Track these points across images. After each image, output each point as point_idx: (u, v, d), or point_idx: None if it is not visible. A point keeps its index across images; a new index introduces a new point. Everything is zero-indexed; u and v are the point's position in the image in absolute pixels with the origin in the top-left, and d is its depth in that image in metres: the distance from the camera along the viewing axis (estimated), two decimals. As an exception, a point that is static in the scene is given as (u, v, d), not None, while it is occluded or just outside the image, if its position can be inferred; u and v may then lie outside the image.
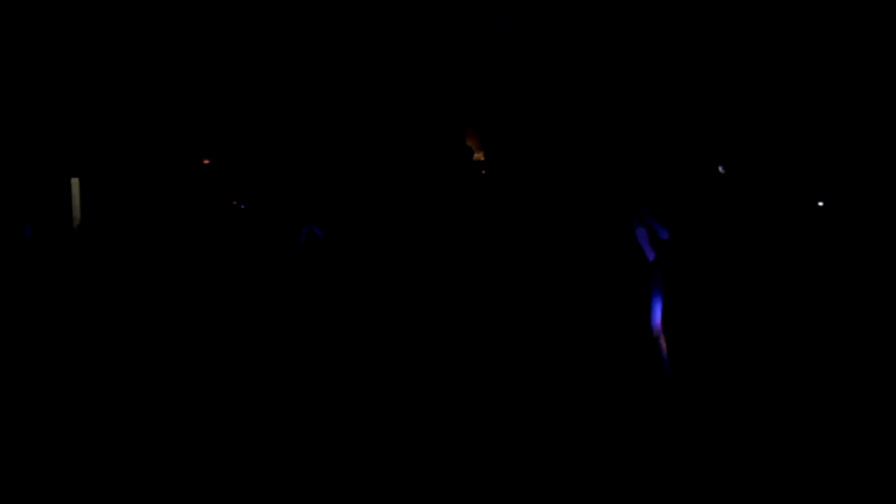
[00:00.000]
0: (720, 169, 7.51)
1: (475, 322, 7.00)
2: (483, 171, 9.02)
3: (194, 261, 7.31)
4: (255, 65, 9.87)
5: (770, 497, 4.18)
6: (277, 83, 9.85)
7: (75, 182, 9.14)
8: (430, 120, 9.64)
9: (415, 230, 7.97)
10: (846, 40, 8.36)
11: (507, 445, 4.79)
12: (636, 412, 5.24)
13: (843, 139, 8.23)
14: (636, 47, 9.08)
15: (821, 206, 7.76)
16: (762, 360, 5.80)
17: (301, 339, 6.76)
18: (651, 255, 5.61)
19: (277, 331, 6.87)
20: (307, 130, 9.70)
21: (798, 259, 6.75)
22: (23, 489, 4.34)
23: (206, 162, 7.51)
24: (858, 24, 8.27)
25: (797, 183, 7.92)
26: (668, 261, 5.76)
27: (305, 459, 4.66)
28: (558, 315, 6.79)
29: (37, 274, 7.93)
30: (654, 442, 4.81)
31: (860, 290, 6.41)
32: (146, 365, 6.37)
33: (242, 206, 7.85)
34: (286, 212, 6.89)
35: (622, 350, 5.88)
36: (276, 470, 4.53)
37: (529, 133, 9.33)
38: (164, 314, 7.28)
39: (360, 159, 9.45)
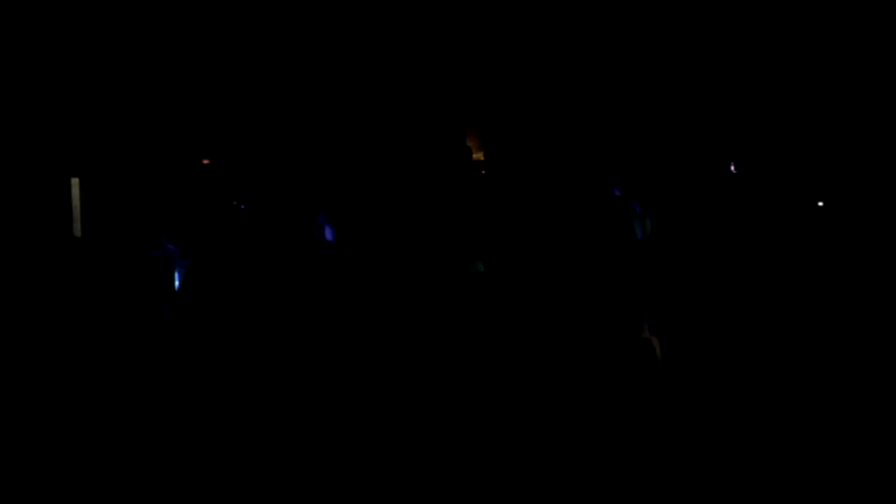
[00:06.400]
0: (732, 168, 7.52)
1: (474, 322, 6.99)
2: (483, 172, 9.02)
3: (198, 261, 7.30)
4: (255, 63, 9.88)
5: (770, 497, 4.18)
6: (277, 82, 9.85)
7: (75, 182, 9.14)
8: (430, 120, 9.64)
9: (413, 230, 7.96)
10: (849, 41, 8.38)
11: (502, 445, 4.79)
12: (630, 412, 5.23)
13: (844, 139, 8.24)
14: (641, 46, 9.09)
15: (820, 206, 7.76)
16: (761, 361, 5.79)
17: (302, 341, 6.75)
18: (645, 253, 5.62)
19: (279, 333, 6.85)
20: (307, 130, 9.71)
21: (798, 258, 6.75)
22: (23, 489, 4.34)
23: (206, 162, 7.52)
24: (861, 25, 8.28)
25: (798, 182, 7.92)
26: (666, 261, 5.75)
27: (305, 459, 4.66)
28: (556, 314, 6.77)
29: (36, 274, 7.92)
30: (650, 443, 4.80)
31: (861, 290, 6.41)
32: (147, 365, 6.36)
33: (242, 207, 7.85)
34: (287, 212, 6.88)
35: (616, 350, 5.87)
36: (275, 469, 4.53)
37: (530, 133, 9.34)
38: (165, 314, 7.27)
39: (359, 159, 9.46)
